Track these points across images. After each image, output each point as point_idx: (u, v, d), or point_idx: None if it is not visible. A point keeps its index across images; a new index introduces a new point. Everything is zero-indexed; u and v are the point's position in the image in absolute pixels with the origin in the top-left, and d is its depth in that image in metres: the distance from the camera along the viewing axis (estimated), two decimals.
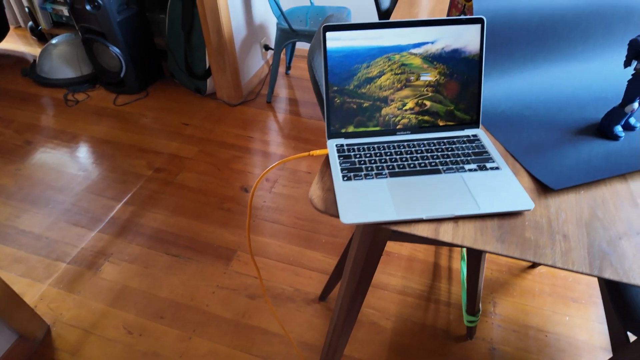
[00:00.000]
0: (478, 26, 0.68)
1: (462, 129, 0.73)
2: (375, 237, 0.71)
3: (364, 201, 0.59)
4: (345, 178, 0.63)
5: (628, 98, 0.67)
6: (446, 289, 1.34)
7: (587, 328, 1.23)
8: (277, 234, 1.55)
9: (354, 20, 2.50)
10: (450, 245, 0.56)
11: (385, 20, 1.37)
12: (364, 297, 0.89)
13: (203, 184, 1.78)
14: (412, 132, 0.72)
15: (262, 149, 1.99)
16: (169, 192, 1.75)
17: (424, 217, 0.56)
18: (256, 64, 2.50)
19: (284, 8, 2.53)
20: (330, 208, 0.60)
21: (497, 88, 0.81)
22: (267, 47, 2.56)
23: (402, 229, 0.56)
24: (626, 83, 0.74)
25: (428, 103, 0.71)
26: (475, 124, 0.73)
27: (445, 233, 0.55)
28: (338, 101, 0.68)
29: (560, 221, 0.57)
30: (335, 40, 0.67)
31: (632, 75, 0.66)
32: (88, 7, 2.10)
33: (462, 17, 0.67)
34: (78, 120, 2.22)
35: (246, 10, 2.21)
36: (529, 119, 0.76)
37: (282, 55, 2.74)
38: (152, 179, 1.82)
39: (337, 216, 0.58)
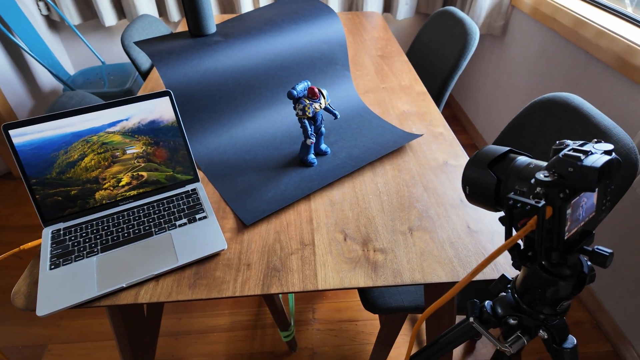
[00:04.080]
0: (167, 98, 0.78)
1: (184, 186, 0.81)
2: (124, 308, 0.74)
3: (68, 285, 0.62)
4: (53, 266, 0.65)
5: (305, 134, 0.84)
6: (269, 310, 1.43)
7: None
8: (95, 311, 1.45)
9: None
10: (149, 304, 0.62)
11: (143, 78, 1.43)
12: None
13: (2, 280, 1.57)
14: (135, 200, 0.78)
15: None
16: None
17: (124, 285, 0.62)
18: None
19: (73, 70, 2.40)
20: (33, 303, 0.61)
21: (220, 140, 0.93)
22: None
23: (105, 303, 0.61)
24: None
25: (144, 174, 0.78)
26: (195, 179, 0.82)
27: (145, 294, 0.62)
28: (39, 195, 0.70)
29: (249, 252, 0.68)
30: (23, 135, 0.69)
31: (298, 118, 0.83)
32: None
33: (150, 93, 0.76)
34: None
35: (25, 81, 2.04)
36: (249, 162, 0.89)
37: None
38: None
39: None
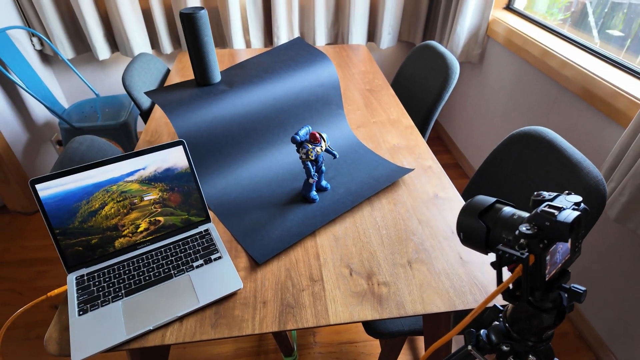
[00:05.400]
0: (180, 147, 0.84)
1: (197, 227, 0.87)
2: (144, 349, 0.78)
3: (98, 330, 0.66)
4: (82, 312, 0.69)
5: (307, 174, 0.91)
6: (273, 337, 1.47)
7: None
8: None
9: None
10: (176, 344, 0.67)
11: (144, 117, 1.48)
12: None
13: (2, 317, 1.57)
14: (152, 242, 0.83)
15: None
16: None
17: (152, 327, 0.67)
18: (51, 163, 2.33)
19: (67, 104, 2.43)
20: (65, 348, 0.65)
21: (226, 181, 0.99)
22: (61, 143, 2.41)
23: (134, 346, 0.65)
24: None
25: (161, 219, 0.83)
26: (207, 220, 0.88)
27: (171, 335, 0.67)
28: (64, 243, 0.75)
29: (263, 290, 0.74)
30: (48, 189, 0.73)
31: (301, 159, 0.90)
32: None
33: (165, 143, 0.82)
34: None
35: (19, 113, 2.07)
36: (254, 201, 0.96)
37: None
38: None
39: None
